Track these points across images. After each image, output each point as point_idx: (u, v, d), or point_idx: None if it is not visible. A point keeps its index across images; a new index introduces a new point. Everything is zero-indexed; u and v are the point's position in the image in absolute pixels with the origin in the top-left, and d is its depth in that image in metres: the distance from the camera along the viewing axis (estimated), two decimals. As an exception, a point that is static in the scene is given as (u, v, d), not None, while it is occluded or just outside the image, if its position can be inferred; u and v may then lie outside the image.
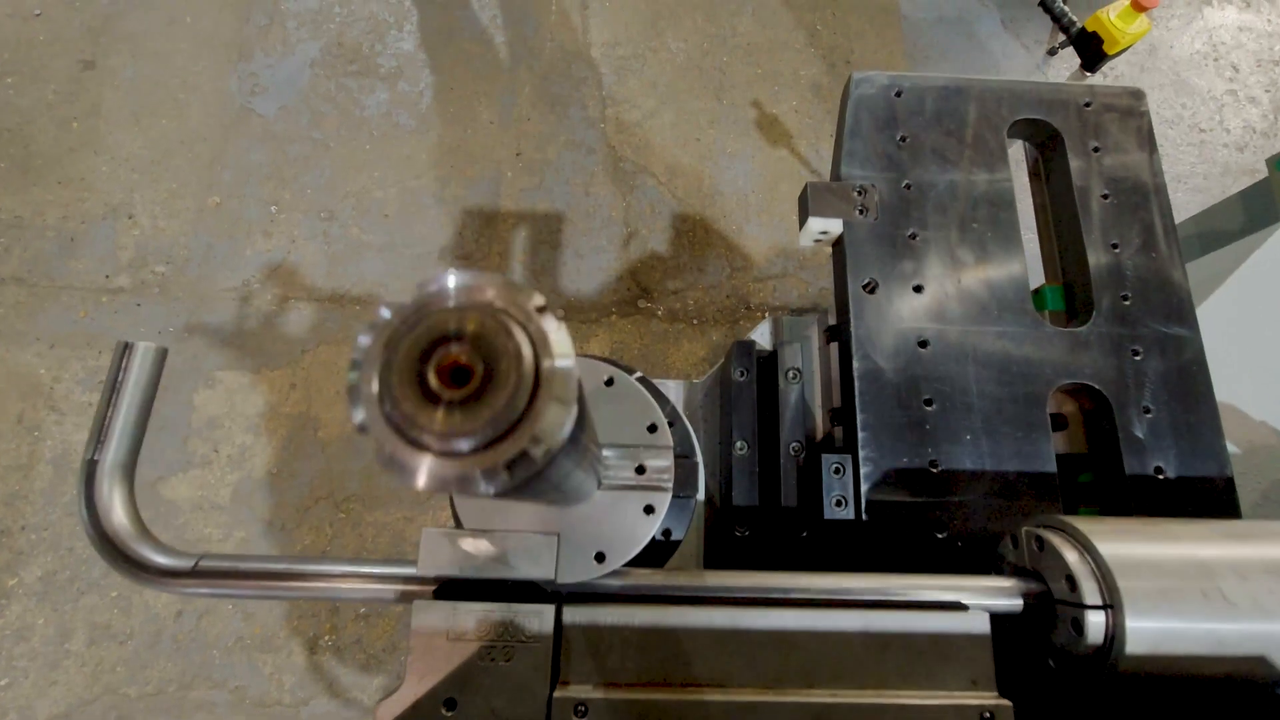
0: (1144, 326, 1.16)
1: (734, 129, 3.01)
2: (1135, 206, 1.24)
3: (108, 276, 2.56)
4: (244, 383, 2.48)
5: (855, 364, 1.12)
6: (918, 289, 1.17)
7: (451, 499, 0.78)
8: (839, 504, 1.05)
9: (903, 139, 1.27)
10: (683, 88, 3.06)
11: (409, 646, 0.74)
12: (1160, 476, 1.07)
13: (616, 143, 2.93)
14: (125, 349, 0.79)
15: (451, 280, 0.36)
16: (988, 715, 0.74)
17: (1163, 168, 1.27)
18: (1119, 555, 0.76)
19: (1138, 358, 1.14)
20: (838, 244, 1.24)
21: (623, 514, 0.78)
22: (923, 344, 1.14)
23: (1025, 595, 0.82)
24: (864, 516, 1.04)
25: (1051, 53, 3.30)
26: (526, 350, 0.35)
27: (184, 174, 2.72)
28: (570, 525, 0.77)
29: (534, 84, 2.99)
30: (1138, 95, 1.32)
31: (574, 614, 0.77)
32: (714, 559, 1.17)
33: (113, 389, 0.78)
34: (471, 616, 0.74)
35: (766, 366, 1.23)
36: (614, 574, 0.77)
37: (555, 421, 0.35)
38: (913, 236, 1.21)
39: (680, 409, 1.07)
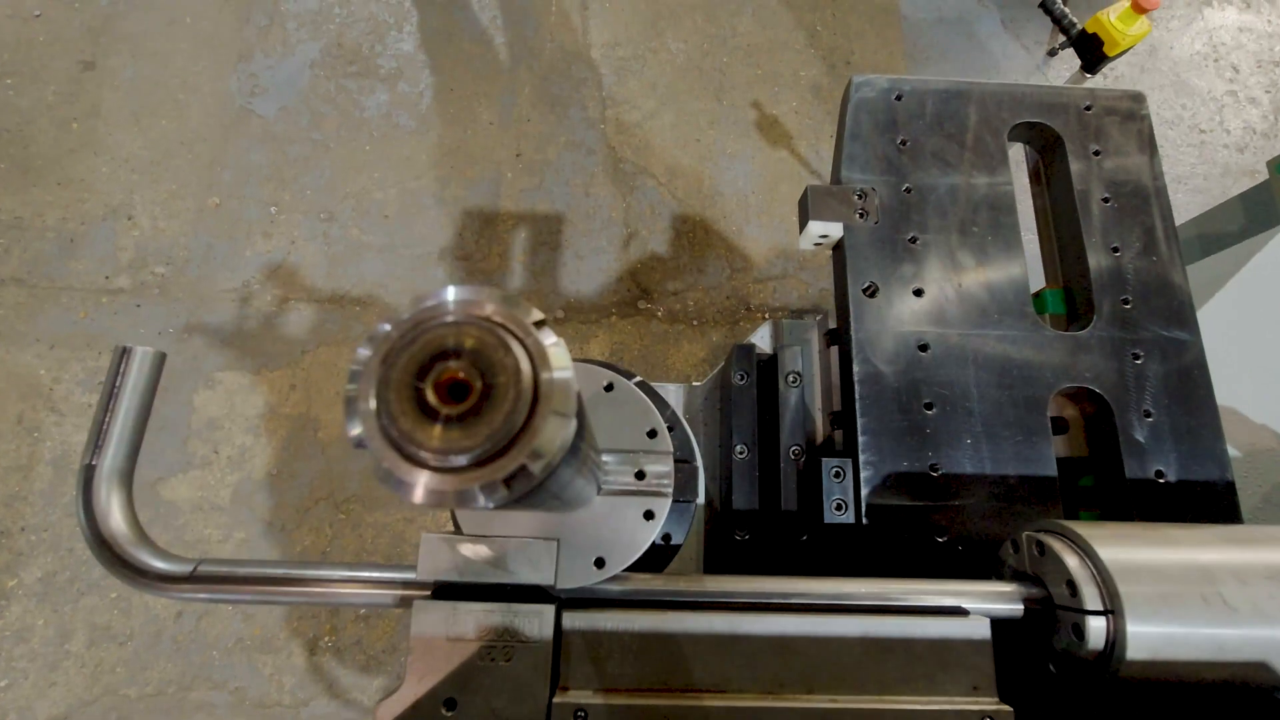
0: (1145, 330, 1.16)
1: (734, 130, 3.01)
2: (1136, 210, 1.24)
3: (107, 277, 2.56)
4: (244, 384, 2.48)
5: (855, 368, 1.12)
6: (918, 293, 1.17)
7: (451, 504, 0.78)
8: (839, 508, 1.05)
9: (903, 142, 1.27)
10: (683, 88, 3.06)
11: (409, 647, 0.74)
12: (1161, 480, 1.07)
13: (616, 143, 2.93)
14: (123, 354, 0.79)
15: (449, 295, 0.36)
16: (988, 721, 0.73)
17: (1163, 169, 1.27)
18: (1120, 560, 0.76)
19: (1138, 361, 1.14)
20: (838, 248, 1.24)
21: (622, 519, 0.78)
22: (923, 348, 1.13)
23: (1026, 600, 0.82)
24: (864, 520, 1.04)
25: (1052, 54, 3.29)
26: (525, 365, 0.34)
27: (184, 175, 2.72)
28: (570, 531, 0.77)
29: (534, 85, 2.99)
30: (1138, 98, 1.32)
31: (573, 619, 0.77)
32: (714, 562, 1.17)
33: (111, 393, 0.78)
34: (471, 617, 0.74)
35: (766, 370, 1.23)
36: (614, 579, 0.77)
37: (554, 436, 0.35)
38: (913, 240, 1.20)
39: (680, 413, 1.07)
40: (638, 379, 0.90)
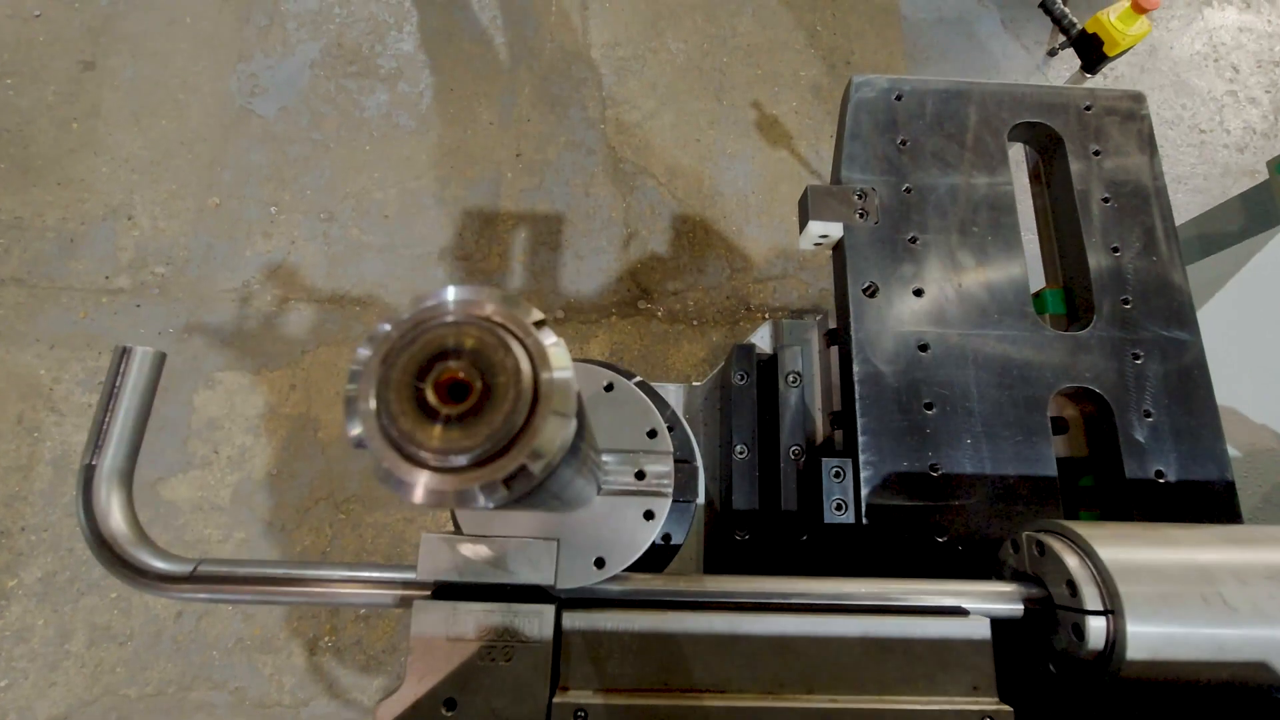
0: (1145, 330, 1.16)
1: (734, 130, 3.01)
2: (1136, 210, 1.24)
3: (107, 277, 2.56)
4: (244, 384, 2.48)
5: (855, 368, 1.12)
6: (918, 293, 1.17)
7: (451, 504, 0.78)
8: (839, 508, 1.05)
9: (903, 142, 1.27)
10: (683, 88, 3.06)
11: (409, 647, 0.74)
12: (1161, 480, 1.07)
13: (616, 143, 2.93)
14: (123, 354, 0.79)
15: (449, 295, 0.36)
16: (988, 721, 0.73)
17: (1163, 169, 1.27)
18: (1119, 560, 0.76)
19: (1138, 361, 1.14)
20: (838, 248, 1.24)
21: (622, 519, 0.78)
22: (923, 348, 1.13)
23: (1026, 600, 0.82)
24: (864, 520, 1.04)
25: (1052, 54, 3.29)
26: (525, 365, 0.34)
27: (184, 175, 2.72)
28: (570, 530, 0.77)
29: (534, 85, 2.99)
30: (1138, 99, 1.32)
31: (573, 619, 0.77)
32: (714, 562, 1.17)
33: (111, 394, 0.78)
34: (471, 617, 0.74)
35: (766, 370, 1.23)
36: (614, 579, 0.77)
37: (554, 436, 0.35)
38: (913, 240, 1.20)
39: (680, 413, 1.07)
40: (638, 379, 0.90)
